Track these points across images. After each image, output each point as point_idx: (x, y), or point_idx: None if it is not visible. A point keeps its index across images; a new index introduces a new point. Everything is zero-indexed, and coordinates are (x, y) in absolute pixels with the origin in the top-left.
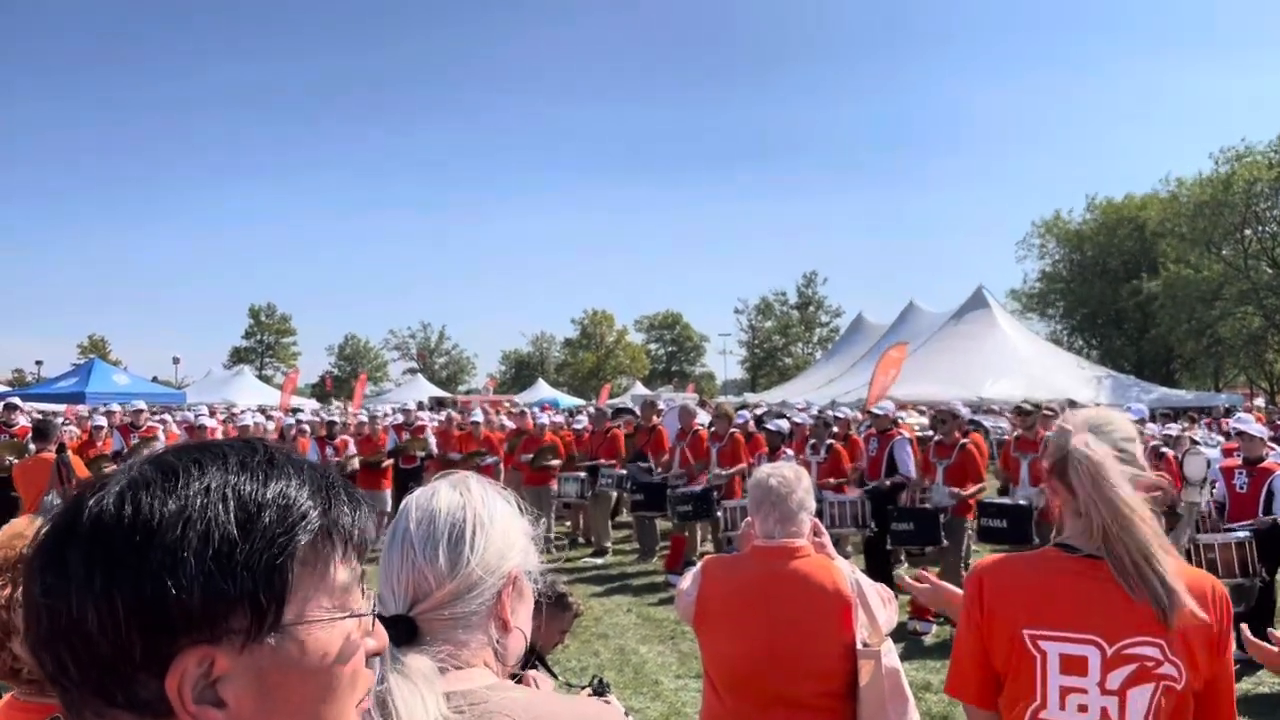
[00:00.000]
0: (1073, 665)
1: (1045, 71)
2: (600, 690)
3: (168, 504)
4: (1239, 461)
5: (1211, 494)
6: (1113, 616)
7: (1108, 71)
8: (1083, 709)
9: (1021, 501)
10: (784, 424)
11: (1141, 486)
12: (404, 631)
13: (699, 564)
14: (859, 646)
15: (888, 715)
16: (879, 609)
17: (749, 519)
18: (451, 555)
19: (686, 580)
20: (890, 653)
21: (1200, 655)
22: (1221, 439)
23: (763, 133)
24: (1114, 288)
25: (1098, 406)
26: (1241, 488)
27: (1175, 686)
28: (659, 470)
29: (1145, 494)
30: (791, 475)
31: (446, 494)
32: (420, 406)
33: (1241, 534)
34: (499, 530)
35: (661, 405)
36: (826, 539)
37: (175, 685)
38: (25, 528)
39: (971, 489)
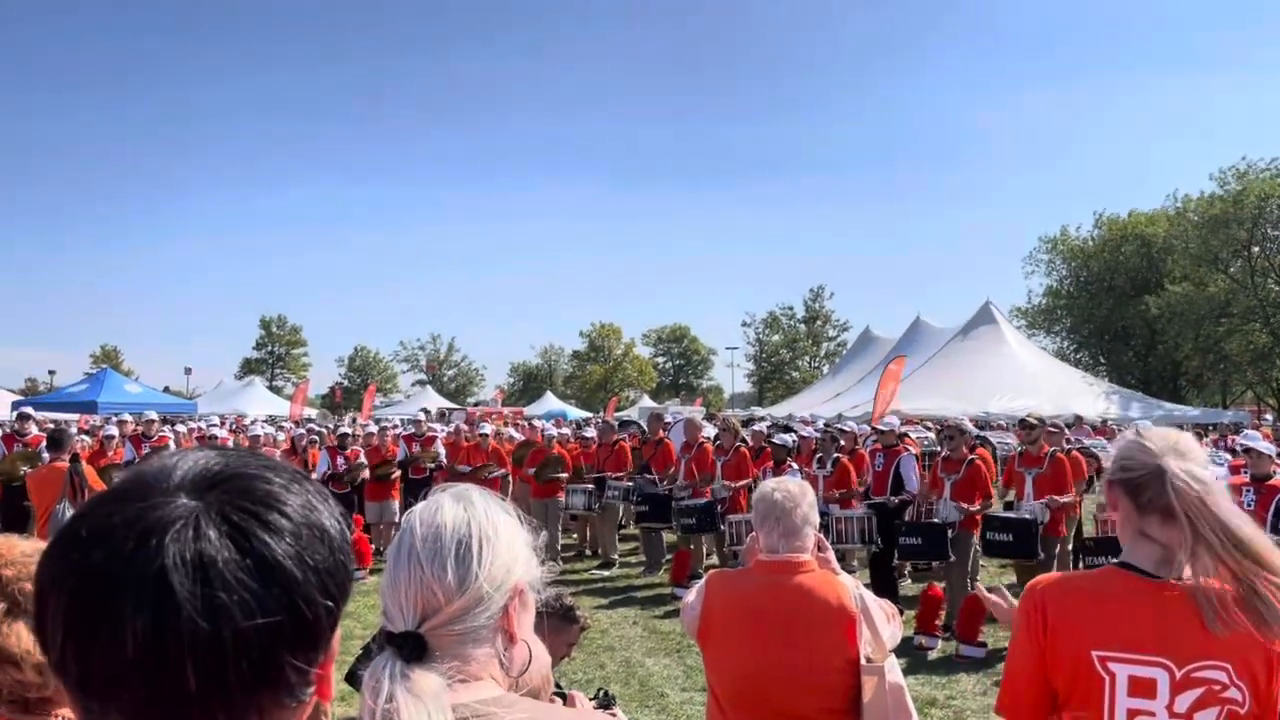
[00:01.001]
0: (1141, 688)
1: (1053, 87)
2: (606, 703)
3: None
4: (1246, 479)
5: None
6: (1183, 639)
7: (1115, 87)
8: None
9: (1026, 516)
10: (789, 438)
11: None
12: (413, 648)
13: (704, 578)
14: (862, 662)
15: None
16: (883, 625)
17: (754, 533)
18: (460, 571)
19: (691, 594)
20: (894, 668)
21: (1261, 678)
22: (1228, 456)
23: (771, 147)
24: (1120, 304)
25: (1161, 427)
26: (1249, 505)
27: (1239, 710)
28: (665, 483)
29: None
30: (796, 490)
31: (450, 508)
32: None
33: None
34: (504, 544)
35: (668, 418)
36: (830, 554)
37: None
38: (2, 547)
39: (979, 504)
